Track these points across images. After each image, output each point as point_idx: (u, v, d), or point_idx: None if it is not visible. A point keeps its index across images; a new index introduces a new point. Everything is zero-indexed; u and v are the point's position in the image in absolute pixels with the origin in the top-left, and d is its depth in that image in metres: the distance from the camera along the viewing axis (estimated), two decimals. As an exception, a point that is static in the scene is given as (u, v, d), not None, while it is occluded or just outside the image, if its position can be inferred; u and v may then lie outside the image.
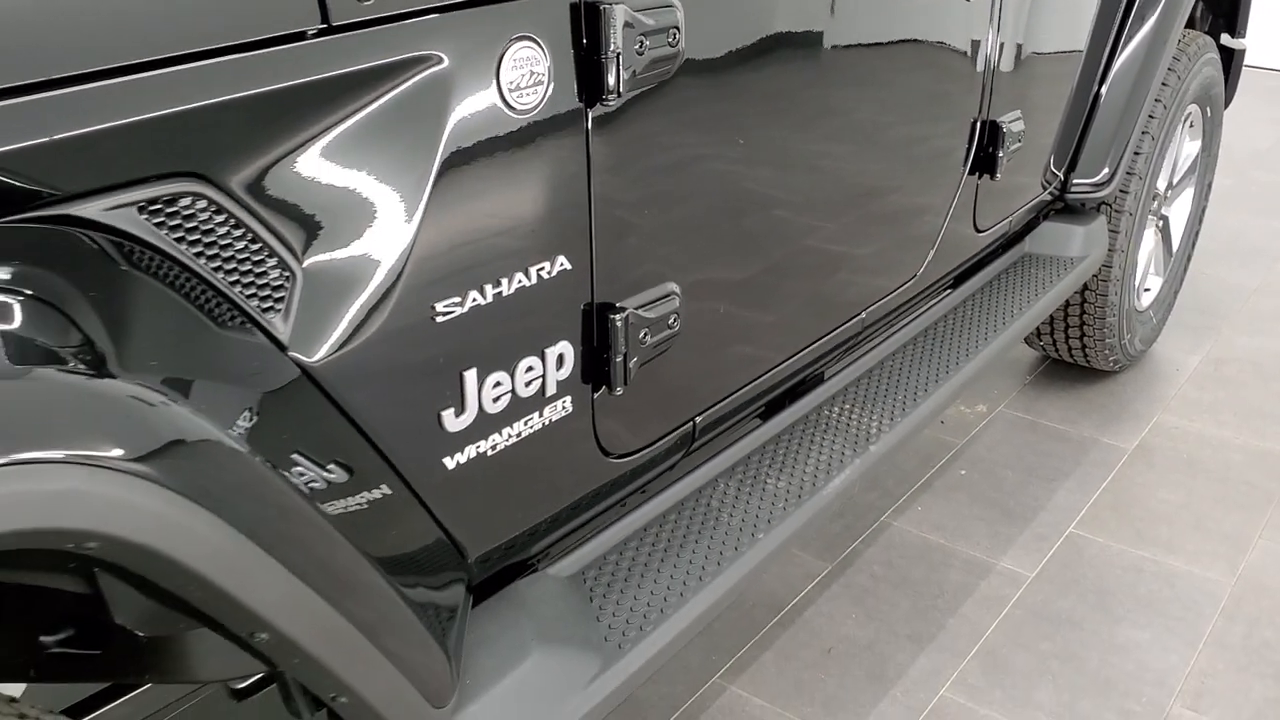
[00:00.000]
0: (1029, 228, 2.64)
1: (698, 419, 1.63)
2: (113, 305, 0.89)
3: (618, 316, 1.37)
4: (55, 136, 0.84)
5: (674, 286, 1.47)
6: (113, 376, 0.84)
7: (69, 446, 0.75)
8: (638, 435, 1.52)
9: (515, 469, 1.32)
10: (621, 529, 1.57)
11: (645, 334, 1.42)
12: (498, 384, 1.26)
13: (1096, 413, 3.02)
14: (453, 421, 1.22)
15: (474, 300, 1.20)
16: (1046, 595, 2.33)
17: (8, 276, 0.82)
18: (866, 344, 2.06)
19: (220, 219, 0.97)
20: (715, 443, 1.73)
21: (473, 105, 1.13)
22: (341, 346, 1.08)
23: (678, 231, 1.47)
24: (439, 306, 1.16)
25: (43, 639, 1.19)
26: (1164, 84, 2.73)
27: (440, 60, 1.09)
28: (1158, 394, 3.12)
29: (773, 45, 1.53)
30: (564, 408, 1.36)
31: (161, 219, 0.93)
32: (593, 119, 1.27)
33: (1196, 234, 3.42)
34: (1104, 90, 2.62)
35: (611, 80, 1.24)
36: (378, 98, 1.05)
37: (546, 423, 1.34)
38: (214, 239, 0.97)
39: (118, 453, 0.78)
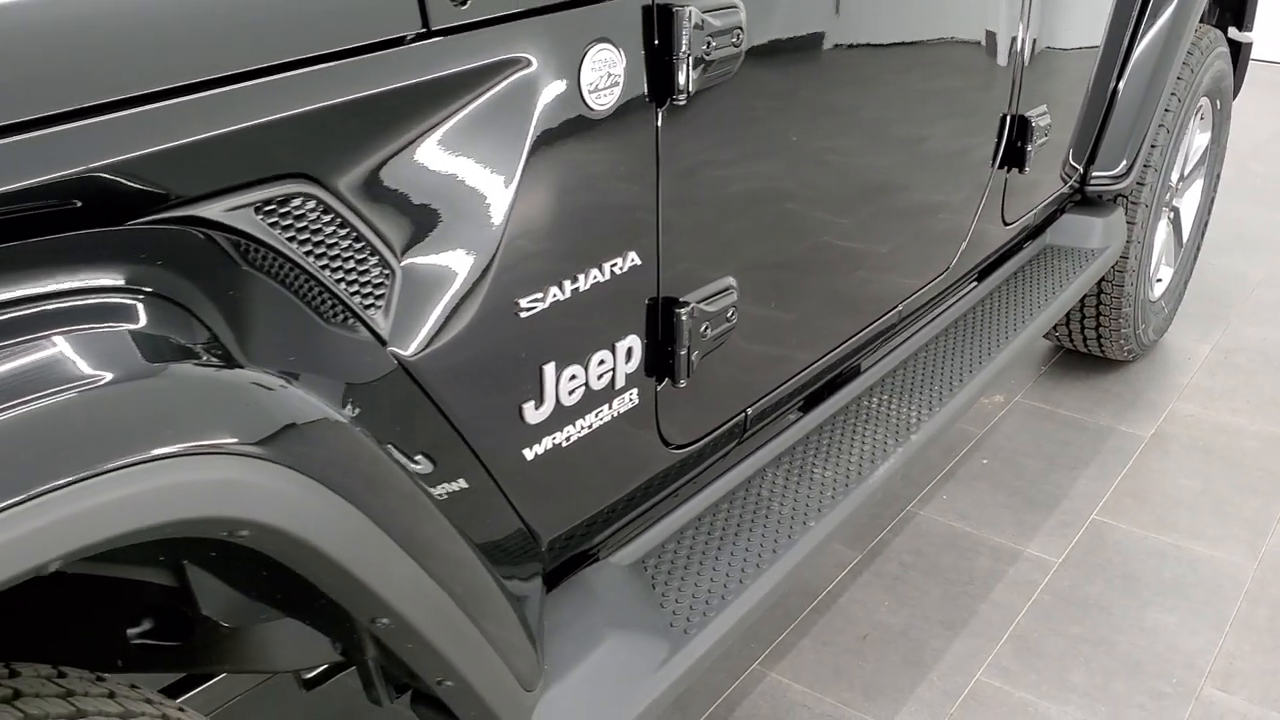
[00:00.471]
0: (1048, 220, 2.68)
1: (749, 410, 1.66)
2: (237, 302, 0.92)
3: (683, 310, 1.41)
4: (181, 141, 0.87)
5: (731, 280, 1.51)
6: (240, 367, 0.87)
7: (226, 437, 0.78)
8: (695, 426, 1.56)
9: (585, 459, 1.36)
10: (678, 518, 1.61)
11: (706, 327, 1.46)
12: (573, 377, 1.29)
13: (1112, 402, 3.07)
14: (532, 413, 1.25)
15: (554, 296, 1.23)
16: (1074, 580, 2.38)
17: (152, 276, 0.85)
18: (901, 336, 2.10)
19: (328, 219, 1.00)
20: (763, 433, 1.77)
21: (556, 106, 1.16)
22: (434, 342, 1.11)
23: (733, 226, 1.50)
24: (523, 302, 1.19)
25: (127, 631, 1.22)
26: (1178, 78, 2.77)
27: (528, 63, 1.12)
28: (1171, 383, 3.17)
29: (819, 45, 1.57)
30: (631, 399, 1.40)
31: (275, 219, 0.96)
32: (662, 118, 1.31)
33: (1205, 225, 3.47)
34: (1122, 84, 2.67)
35: (681, 80, 1.28)
36: (471, 100, 1.08)
37: (615, 414, 1.38)
38: (322, 238, 1.00)
39: (269, 444, 0.81)
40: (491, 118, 1.10)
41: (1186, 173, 3.20)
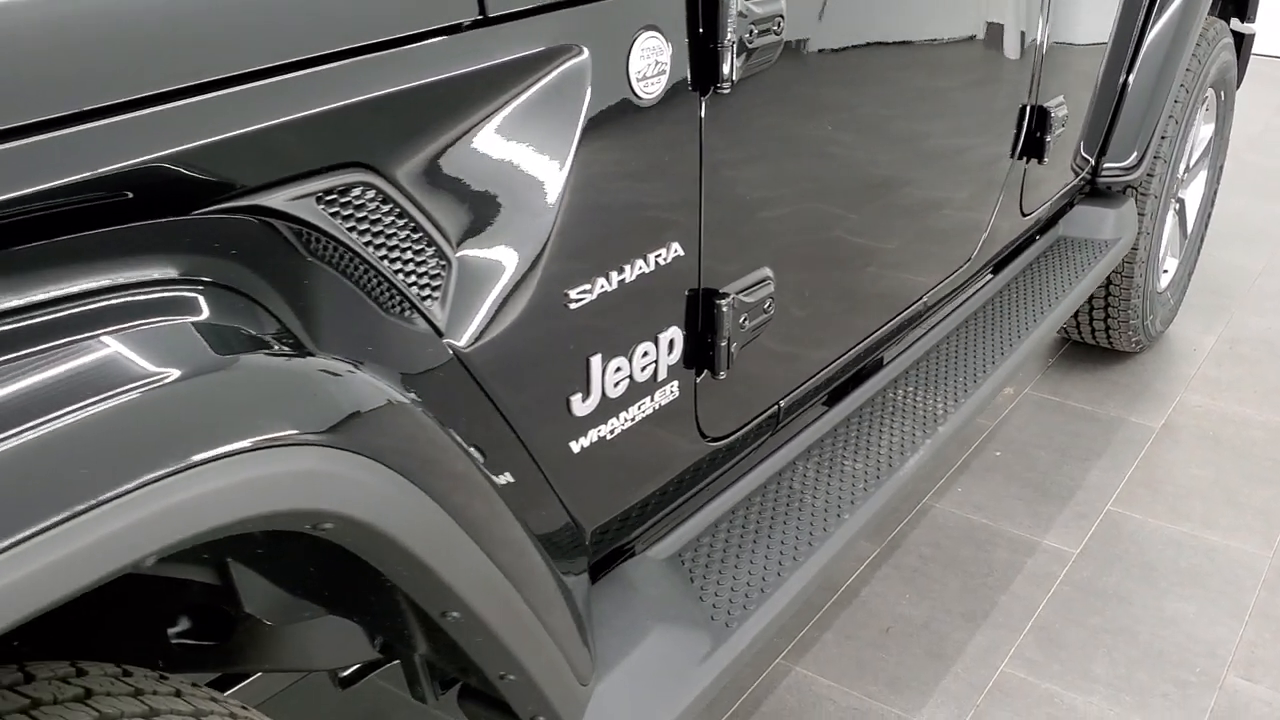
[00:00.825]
0: (1061, 212, 2.69)
1: (782, 402, 1.66)
2: (300, 292, 0.91)
3: (723, 302, 1.40)
4: (243, 130, 0.86)
5: (769, 271, 1.50)
6: (309, 355, 0.85)
7: (302, 428, 0.76)
8: (732, 417, 1.55)
9: (627, 451, 1.34)
10: (712, 511, 1.60)
11: (745, 319, 1.45)
12: (618, 369, 1.28)
13: (1121, 393, 3.07)
14: (580, 405, 1.24)
15: (602, 287, 1.22)
16: (1092, 571, 2.38)
17: (218, 266, 0.83)
18: (924, 328, 2.10)
19: (386, 209, 0.99)
20: (794, 425, 1.76)
21: (606, 95, 1.15)
22: (488, 334, 1.10)
23: (770, 216, 1.50)
24: (572, 294, 1.18)
25: (167, 630, 1.21)
26: (1187, 69, 2.77)
27: (580, 51, 1.11)
28: (1178, 374, 3.17)
29: (850, 36, 1.56)
30: (672, 392, 1.39)
31: (336, 208, 0.95)
32: (705, 106, 1.29)
33: (1209, 216, 3.48)
34: (1132, 76, 2.67)
35: (726, 68, 1.27)
36: (525, 89, 1.07)
37: (657, 406, 1.37)
38: (381, 228, 0.99)
39: (344, 433, 0.79)
40: (544, 107, 1.09)
41: (1192, 164, 3.21)
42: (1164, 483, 2.69)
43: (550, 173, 1.12)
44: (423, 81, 0.98)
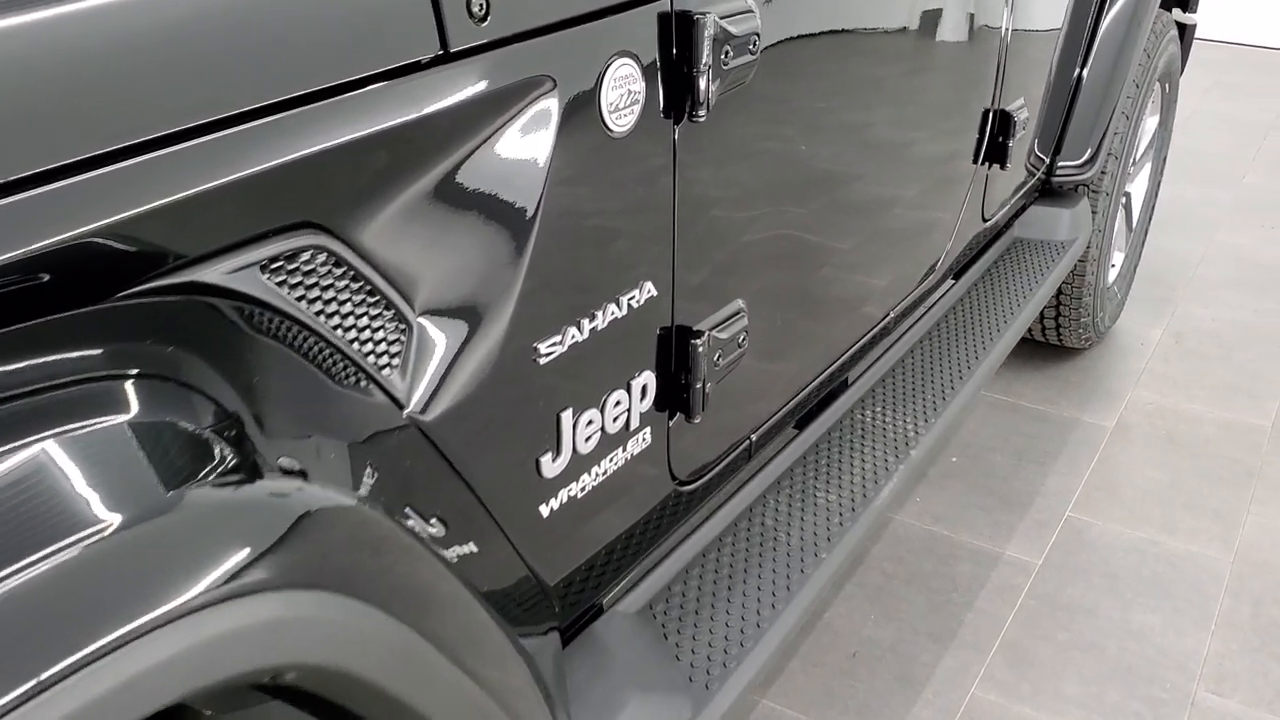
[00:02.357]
0: (1016, 214, 2.62)
1: (753, 435, 1.56)
2: (246, 376, 0.79)
3: (698, 341, 1.30)
4: (172, 197, 0.74)
5: (741, 303, 1.40)
6: (258, 472, 0.74)
7: (253, 574, 0.65)
8: (704, 459, 1.45)
9: (597, 506, 1.25)
10: (681, 556, 1.51)
11: (719, 355, 1.35)
12: (590, 422, 1.18)
13: (1073, 391, 3.03)
14: (550, 466, 1.14)
15: (572, 337, 1.11)
16: (1056, 583, 2.33)
17: (145, 359, 0.71)
18: (887, 343, 2.02)
19: (340, 273, 0.87)
20: (763, 456, 1.67)
21: (578, 130, 1.04)
22: (452, 401, 0.99)
23: (742, 245, 1.40)
24: (541, 348, 1.08)
25: None
26: (1139, 64, 2.73)
27: (550, 84, 1.00)
28: (1128, 369, 3.14)
29: (817, 50, 1.46)
30: (644, 439, 1.29)
31: (283, 277, 0.83)
32: (679, 134, 1.19)
33: (1153, 208, 3.46)
34: (1086, 72, 2.61)
35: (701, 93, 1.17)
36: (491, 130, 0.96)
37: (629, 457, 1.27)
38: (334, 295, 0.88)
39: (299, 568, 0.68)
40: (512, 148, 0.98)
41: (1137, 157, 3.17)
42: (1121, 486, 2.65)
43: (518, 219, 1.01)
44: (378, 128, 0.87)
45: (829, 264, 1.65)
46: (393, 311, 0.92)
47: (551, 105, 1.01)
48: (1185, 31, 3.29)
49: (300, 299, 0.85)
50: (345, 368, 0.89)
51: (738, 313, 1.39)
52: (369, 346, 0.91)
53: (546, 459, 1.13)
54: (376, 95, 0.86)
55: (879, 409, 1.88)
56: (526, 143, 0.99)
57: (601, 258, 1.13)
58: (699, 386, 1.32)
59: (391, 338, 0.93)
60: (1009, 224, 2.60)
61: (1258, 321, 3.37)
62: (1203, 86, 5.65)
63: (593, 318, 1.14)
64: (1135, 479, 2.68)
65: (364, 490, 0.87)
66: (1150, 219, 3.46)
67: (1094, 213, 2.75)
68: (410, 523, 0.96)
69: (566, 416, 1.14)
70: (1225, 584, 2.33)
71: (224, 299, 0.79)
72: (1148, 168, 3.32)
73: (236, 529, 0.65)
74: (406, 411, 0.95)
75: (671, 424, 1.34)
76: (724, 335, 1.35)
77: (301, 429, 0.83)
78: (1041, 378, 3.09)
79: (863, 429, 1.83)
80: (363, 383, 0.90)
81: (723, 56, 1.19)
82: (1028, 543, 2.45)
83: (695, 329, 1.31)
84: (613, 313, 1.16)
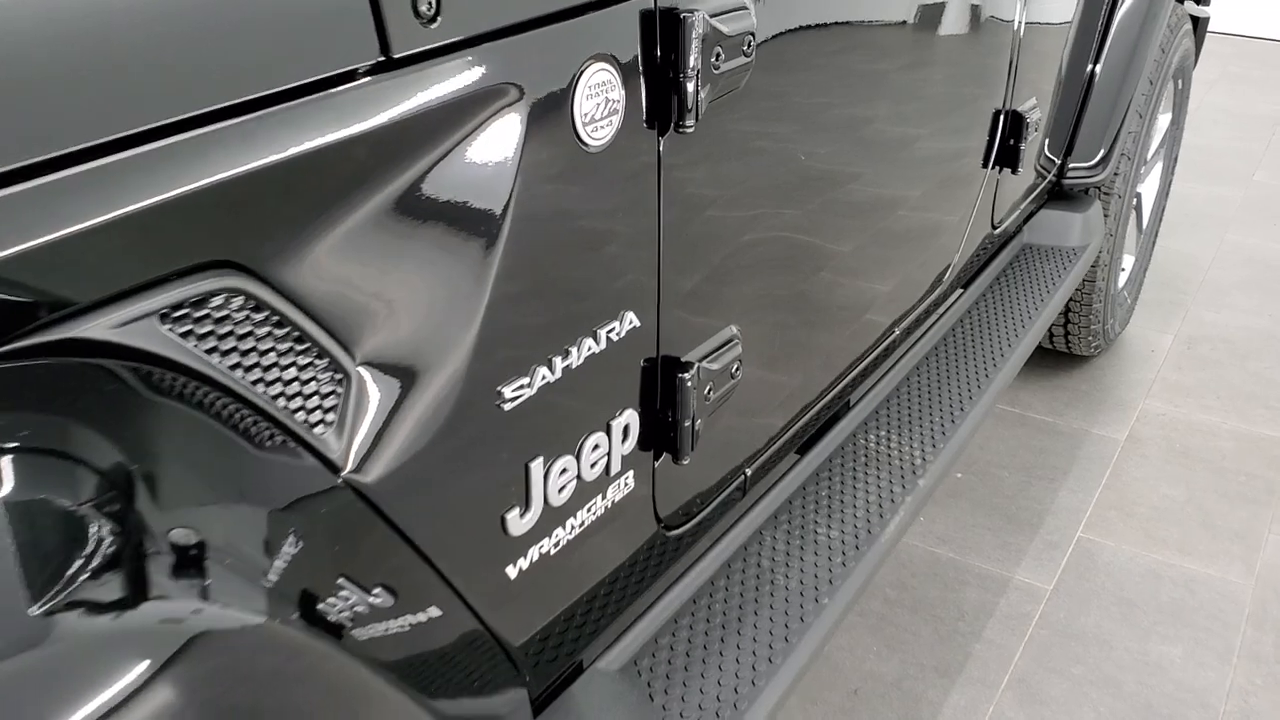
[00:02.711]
0: (1026, 219, 2.50)
1: (748, 469, 1.44)
2: (143, 449, 0.66)
3: (687, 374, 1.17)
4: (51, 236, 0.61)
5: (734, 330, 1.27)
6: (143, 590, 0.61)
7: None
8: (694, 499, 1.32)
9: (572, 563, 1.12)
10: (668, 605, 1.38)
11: (710, 388, 1.22)
12: (564, 470, 1.05)
13: (1081, 402, 2.91)
14: (517, 524, 1.01)
15: (543, 378, 0.98)
16: (1069, 610, 2.20)
17: (27, 428, 0.58)
18: (892, 361, 1.89)
19: (261, 318, 0.74)
20: (757, 489, 1.54)
21: (548, 145, 0.91)
22: (400, 457, 0.86)
23: (734, 266, 1.27)
24: (506, 392, 0.94)
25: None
26: (1154, 59, 2.59)
27: (514, 93, 0.87)
28: (1138, 378, 3.02)
29: (816, 49, 1.33)
30: (626, 485, 1.16)
31: (189, 326, 0.70)
32: (664, 147, 1.06)
33: (1164, 209, 3.33)
34: (1099, 68, 2.48)
35: (689, 102, 1.03)
36: (445, 147, 0.82)
37: (609, 505, 1.14)
38: (253, 345, 0.74)
39: None
40: (470, 167, 0.85)
41: (1149, 157, 3.04)
42: (1134, 504, 2.52)
43: (478, 249, 0.88)
44: (307, 148, 0.74)
45: (830, 281, 1.52)
46: (326, 360, 0.79)
47: (516, 117, 0.87)
48: (1198, 25, 3.16)
49: (211, 352, 0.72)
50: (267, 430, 0.76)
51: (730, 340, 1.26)
52: (297, 403, 0.78)
53: (513, 515, 1.00)
54: (305, 110, 0.73)
55: (883, 433, 1.75)
56: (487, 161, 0.86)
57: (576, 288, 1.00)
58: (687, 425, 1.19)
59: (325, 390, 0.80)
60: (1018, 230, 2.47)
61: (1272, 327, 3.25)
62: (1209, 79, 5.52)
63: (566, 355, 1.00)
64: (1149, 496, 2.55)
65: (283, 580, 0.74)
66: (1160, 221, 3.33)
67: (1106, 216, 2.62)
68: (346, 597, 0.83)
69: (536, 467, 1.01)
70: (1247, 611, 2.21)
71: (112, 358, 0.66)
72: (1159, 167, 3.20)
73: (108, 671, 0.52)
74: (344, 474, 0.82)
75: (657, 465, 1.21)
76: (715, 366, 1.22)
77: (208, 515, 0.70)
78: (1049, 387, 2.97)
79: (866, 456, 1.70)
80: (289, 445, 0.77)
81: (713, 59, 1.06)
82: (1038, 566, 2.32)
83: (683, 361, 1.18)
84: (589, 348, 1.03)
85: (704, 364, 1.20)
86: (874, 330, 1.70)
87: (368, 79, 0.77)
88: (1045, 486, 2.57)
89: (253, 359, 0.74)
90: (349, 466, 0.82)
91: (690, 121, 1.05)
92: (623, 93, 0.98)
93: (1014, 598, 2.23)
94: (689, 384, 1.17)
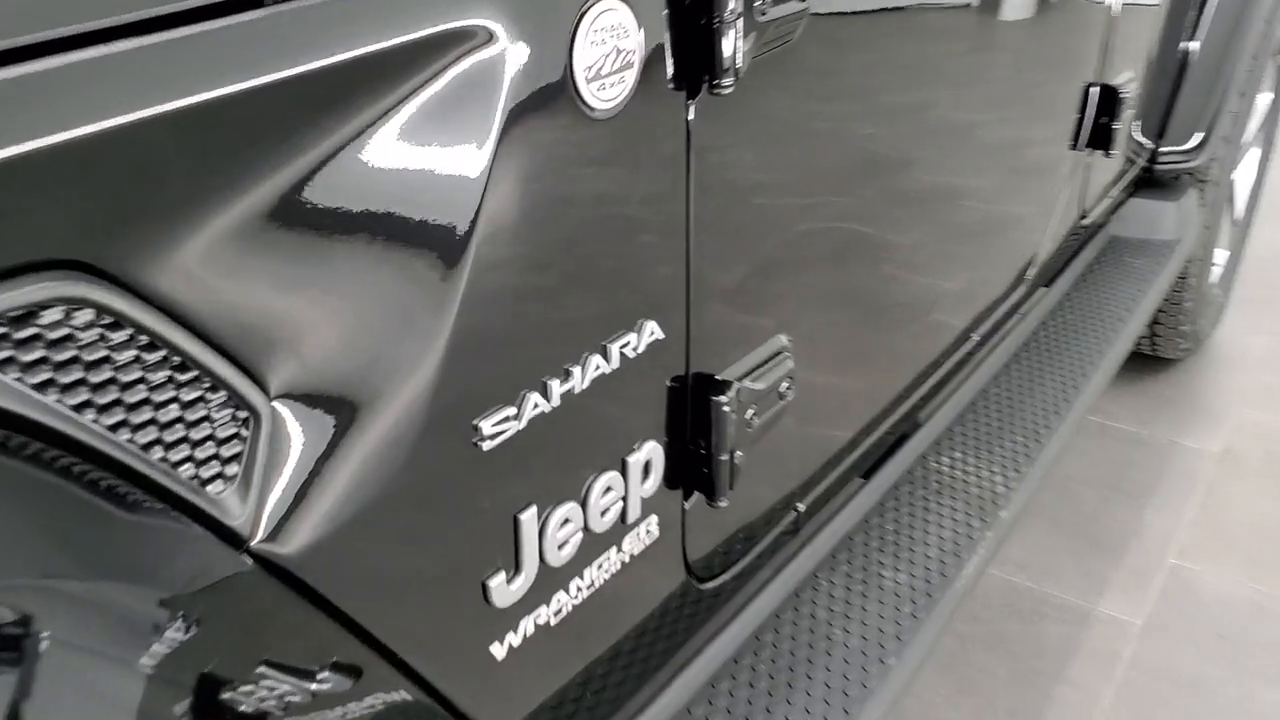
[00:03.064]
0: (1114, 208, 2.24)
1: (800, 505, 1.21)
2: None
3: (724, 396, 0.95)
4: None
5: (784, 339, 1.05)
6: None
7: None
8: (733, 543, 1.10)
9: (578, 633, 0.90)
10: (702, 668, 1.15)
11: (754, 413, 1.00)
12: (565, 522, 0.83)
13: (1169, 410, 2.64)
14: (503, 592, 0.80)
15: (534, 408, 0.77)
16: (1163, 649, 1.95)
17: None
18: (967, 370, 1.66)
19: (119, 338, 0.54)
20: (812, 524, 1.32)
21: (537, 107, 0.70)
22: (334, 519, 0.65)
23: (783, 262, 1.05)
24: (486, 426, 0.73)
25: None
26: (1259, 33, 2.33)
27: (489, 37, 0.65)
28: (1232, 384, 2.75)
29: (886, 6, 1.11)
30: (648, 533, 0.94)
31: (8, 353, 0.50)
32: (695, 114, 0.84)
33: (1259, 197, 3.05)
34: (1196, 43, 2.22)
35: (727, 55, 0.81)
36: (390, 104, 0.61)
37: (625, 559, 0.92)
38: (112, 375, 0.54)
39: None
40: (428, 132, 0.64)
41: (1246, 140, 2.77)
42: (1234, 527, 2.26)
43: (442, 240, 0.67)
44: (194, 101, 0.53)
45: (895, 278, 1.29)
46: (223, 395, 0.58)
47: (492, 70, 0.66)
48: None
49: (44, 388, 0.51)
50: (131, 494, 0.55)
51: (780, 352, 1.04)
52: (180, 453, 0.57)
53: (497, 582, 0.79)
54: (179, 48, 0.53)
55: (958, 455, 1.52)
56: (451, 125, 0.65)
57: (579, 293, 0.79)
58: (725, 458, 0.97)
59: (223, 435, 0.59)
60: (1104, 221, 2.22)
61: (1381, 328, 2.96)
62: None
63: (566, 377, 0.79)
64: (1249, 518, 2.29)
65: (158, 697, 0.53)
66: (1255, 210, 3.05)
67: (1201, 205, 2.35)
68: (251, 693, 0.62)
69: (528, 519, 0.80)
70: (1367, 653, 1.95)
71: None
72: (1256, 151, 2.91)
73: None
74: (254, 542, 0.61)
75: (688, 506, 0.99)
76: (760, 385, 1.00)
77: (42, 610, 0.50)
78: (1135, 394, 2.71)
79: (938, 483, 1.47)
80: (167, 513, 0.57)
81: (758, 1, 0.84)
82: (1125, 598, 2.07)
83: (719, 379, 0.96)
84: (598, 367, 0.82)
85: (746, 383, 0.98)
86: (946, 335, 1.47)
87: (279, 7, 0.56)
88: (1131, 505, 2.32)
89: (109, 395, 0.54)
90: (258, 535, 0.61)
91: (728, 81, 0.83)
92: (640, 40, 0.76)
93: (1100, 633, 1.99)
94: (727, 408, 0.95)
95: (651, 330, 0.86)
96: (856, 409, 1.29)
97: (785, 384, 1.04)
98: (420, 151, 0.63)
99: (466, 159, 0.66)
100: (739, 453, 0.98)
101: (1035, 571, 2.13)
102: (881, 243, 1.24)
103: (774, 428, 1.05)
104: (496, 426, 0.74)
